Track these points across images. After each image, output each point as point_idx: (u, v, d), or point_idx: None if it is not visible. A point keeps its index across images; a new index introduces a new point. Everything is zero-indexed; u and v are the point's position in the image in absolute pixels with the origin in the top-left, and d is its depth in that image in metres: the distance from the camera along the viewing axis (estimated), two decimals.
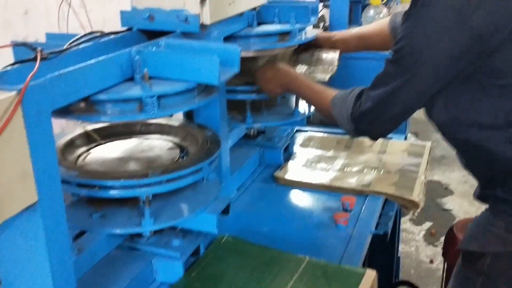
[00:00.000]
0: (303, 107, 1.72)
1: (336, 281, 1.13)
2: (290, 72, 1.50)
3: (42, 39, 1.25)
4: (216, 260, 1.22)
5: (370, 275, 1.13)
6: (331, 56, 1.69)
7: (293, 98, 1.69)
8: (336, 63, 1.66)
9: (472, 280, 1.22)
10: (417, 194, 1.54)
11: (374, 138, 1.35)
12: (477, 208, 1.33)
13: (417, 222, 3.20)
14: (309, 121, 2.49)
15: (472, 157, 1.24)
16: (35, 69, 0.81)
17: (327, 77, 1.60)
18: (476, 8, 1.05)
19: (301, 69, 1.66)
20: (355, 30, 1.71)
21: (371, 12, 2.86)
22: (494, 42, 1.06)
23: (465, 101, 1.15)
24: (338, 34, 1.70)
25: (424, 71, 1.12)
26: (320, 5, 3.00)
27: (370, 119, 1.23)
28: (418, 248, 2.97)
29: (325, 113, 1.38)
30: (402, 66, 1.14)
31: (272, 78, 1.50)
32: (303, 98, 1.50)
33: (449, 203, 3.42)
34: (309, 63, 1.69)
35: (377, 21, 1.86)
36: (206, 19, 1.20)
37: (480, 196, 1.29)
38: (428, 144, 1.85)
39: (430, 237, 3.07)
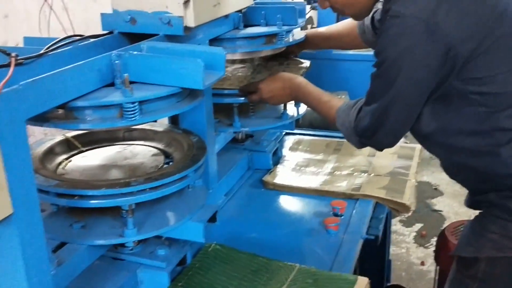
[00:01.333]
0: (292, 110, 1.69)
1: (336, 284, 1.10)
2: (297, 79, 1.47)
3: (22, 43, 1.21)
4: (203, 270, 1.18)
5: (362, 282, 1.11)
6: (300, 65, 1.68)
7: None
8: (303, 72, 1.64)
9: (467, 286, 1.20)
10: (408, 197, 1.52)
11: (380, 149, 1.34)
12: (468, 209, 1.31)
13: (407, 223, 3.19)
14: (298, 124, 2.47)
15: (462, 164, 1.22)
16: (8, 75, 0.77)
17: None
18: (444, 17, 1.05)
19: (268, 74, 1.62)
20: (322, 30, 1.72)
21: None
22: (467, 50, 1.06)
23: (451, 110, 1.14)
24: (307, 33, 1.69)
25: (406, 84, 1.12)
26: (308, 7, 2.98)
27: (371, 133, 1.23)
28: (408, 250, 2.96)
29: (331, 122, 1.38)
30: (385, 80, 1.14)
31: (280, 88, 1.47)
32: (310, 107, 1.48)
33: (439, 204, 3.41)
34: (276, 70, 1.68)
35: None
36: (190, 22, 1.17)
37: (472, 204, 1.27)
38: (418, 146, 1.84)
39: (420, 238, 3.05)
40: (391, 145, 1.28)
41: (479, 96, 1.10)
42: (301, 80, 1.47)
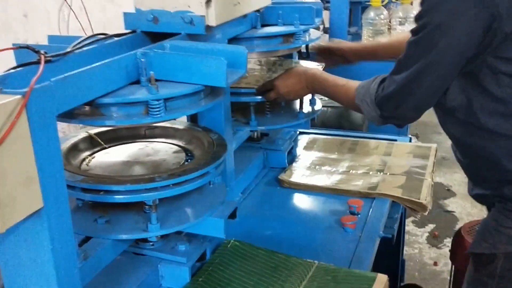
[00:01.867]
0: (307, 108, 1.70)
1: (347, 286, 1.11)
2: (312, 70, 1.47)
3: (42, 42, 1.23)
4: (223, 265, 1.20)
5: (382, 279, 1.11)
6: (315, 65, 1.69)
7: (297, 100, 1.68)
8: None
9: (486, 284, 1.19)
10: (425, 196, 1.52)
11: (400, 124, 1.29)
12: (480, 210, 1.31)
13: (420, 224, 3.19)
14: (313, 123, 2.48)
15: (477, 147, 1.19)
16: (39, 72, 0.79)
17: None
18: None
19: None
20: (368, 43, 1.71)
21: (371, 13, 2.85)
22: (509, 26, 1.02)
23: (479, 87, 1.11)
24: (347, 45, 1.68)
25: (446, 51, 1.06)
26: None
27: (395, 104, 1.18)
28: (421, 250, 2.95)
29: (351, 104, 1.34)
30: (424, 45, 1.09)
31: (296, 82, 1.47)
32: (329, 95, 1.46)
33: (451, 204, 3.40)
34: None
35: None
36: (212, 21, 1.18)
37: (479, 196, 1.25)
38: (434, 145, 1.84)
39: (433, 239, 3.05)
40: (414, 119, 1.23)
41: (509, 78, 1.08)
42: (315, 70, 1.48)
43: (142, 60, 0.99)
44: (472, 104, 1.14)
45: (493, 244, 1.18)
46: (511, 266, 1.16)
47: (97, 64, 0.91)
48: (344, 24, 2.83)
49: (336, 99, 1.44)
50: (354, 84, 1.33)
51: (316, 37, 1.64)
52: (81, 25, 2.00)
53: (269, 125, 1.64)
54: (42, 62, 0.87)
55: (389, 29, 2.92)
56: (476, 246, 1.23)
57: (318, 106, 1.73)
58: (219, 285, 1.14)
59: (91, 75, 0.89)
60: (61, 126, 1.95)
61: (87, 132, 1.23)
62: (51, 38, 1.21)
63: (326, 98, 2.62)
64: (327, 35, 2.90)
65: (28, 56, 0.95)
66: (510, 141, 1.13)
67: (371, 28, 2.86)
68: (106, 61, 0.93)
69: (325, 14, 2.91)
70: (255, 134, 1.80)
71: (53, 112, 0.80)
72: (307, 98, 1.72)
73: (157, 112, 0.95)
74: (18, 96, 0.72)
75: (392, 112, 1.21)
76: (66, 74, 0.83)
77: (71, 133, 1.27)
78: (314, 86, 1.47)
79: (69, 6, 1.96)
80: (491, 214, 1.22)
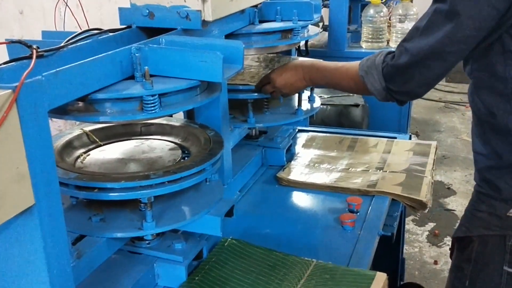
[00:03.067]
0: (306, 106, 1.68)
1: (346, 284, 1.09)
2: (309, 61, 1.44)
3: (38, 39, 1.22)
4: (220, 264, 1.18)
5: (381, 277, 1.10)
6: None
7: (296, 97, 1.66)
8: None
9: (462, 269, 1.20)
10: (425, 194, 1.50)
11: (403, 101, 1.21)
12: None
13: (420, 223, 3.17)
14: (312, 121, 2.46)
15: (494, 118, 1.13)
16: (30, 66, 0.78)
17: None
18: None
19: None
20: None
21: (371, 11, 2.84)
22: None
23: (485, 64, 1.09)
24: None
25: (469, 22, 1.00)
26: None
27: (406, 77, 1.10)
28: (421, 249, 2.93)
29: (353, 83, 1.25)
30: (446, 14, 1.02)
31: (292, 74, 1.42)
32: (328, 81, 1.38)
33: (451, 203, 3.38)
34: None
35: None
36: (208, 16, 1.17)
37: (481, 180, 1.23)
38: (434, 143, 1.82)
39: (433, 238, 3.03)
40: (421, 95, 1.16)
41: None
42: (312, 60, 1.45)
43: (137, 55, 0.97)
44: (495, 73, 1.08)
45: (468, 228, 1.19)
46: (484, 249, 1.16)
47: (90, 59, 0.89)
48: (344, 21, 2.81)
49: (336, 82, 1.35)
50: (355, 63, 1.27)
51: (314, 33, 1.62)
52: (77, 22, 1.98)
53: (267, 123, 1.63)
54: (34, 56, 0.85)
55: (389, 26, 2.91)
56: (456, 230, 1.24)
57: (317, 103, 1.72)
58: (216, 284, 1.12)
59: (84, 70, 0.87)
60: (58, 124, 1.93)
61: (82, 129, 1.22)
62: (45, 33, 1.20)
63: (326, 96, 2.63)
64: (326, 33, 2.88)
65: (22, 52, 0.93)
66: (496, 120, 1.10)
67: (370, 25, 2.85)
68: (99, 56, 0.91)
69: (325, 12, 2.90)
70: (253, 131, 1.78)
71: (45, 107, 0.78)
72: (305, 95, 1.71)
73: (152, 108, 0.94)
74: (8, 91, 0.71)
75: (400, 86, 1.14)
76: (58, 69, 0.81)
77: (66, 130, 1.26)
78: (311, 76, 1.41)
79: (66, 3, 1.94)
80: (471, 199, 1.24)
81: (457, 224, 1.29)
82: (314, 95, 1.73)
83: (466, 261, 1.20)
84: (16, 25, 1.88)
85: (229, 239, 1.26)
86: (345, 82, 1.32)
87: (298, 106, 1.63)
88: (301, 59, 1.50)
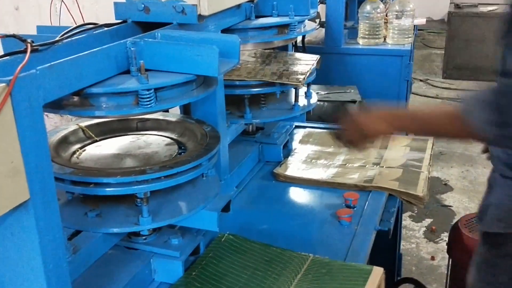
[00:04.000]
0: (303, 102, 1.68)
1: (342, 279, 1.09)
2: (391, 108, 1.24)
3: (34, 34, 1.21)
4: (217, 259, 1.18)
5: (378, 272, 1.10)
6: (310, 57, 1.66)
7: (293, 92, 1.66)
8: (313, 63, 1.62)
9: (500, 266, 1.14)
10: (422, 189, 1.50)
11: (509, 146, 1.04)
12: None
13: (417, 219, 3.18)
14: (308, 117, 2.46)
15: None
16: (25, 60, 0.77)
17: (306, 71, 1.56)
18: None
19: (277, 66, 1.62)
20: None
21: (368, 7, 2.83)
22: None
23: None
24: None
25: None
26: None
27: None
28: (418, 245, 2.94)
29: (453, 128, 1.04)
30: None
31: (374, 122, 1.19)
32: (419, 128, 1.19)
33: (448, 199, 3.39)
34: (285, 62, 1.66)
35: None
36: (204, 10, 1.16)
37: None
38: (431, 139, 1.82)
39: (430, 233, 3.04)
40: None
41: None
42: (389, 106, 1.24)
43: (132, 49, 0.97)
44: None
45: (508, 224, 1.11)
46: None
47: (85, 52, 0.88)
48: (341, 18, 2.81)
49: (430, 128, 1.15)
50: (450, 105, 1.12)
51: (311, 28, 1.62)
52: (73, 18, 1.97)
53: (264, 118, 1.63)
54: (28, 50, 0.85)
55: (385, 23, 2.91)
56: (491, 225, 1.15)
57: (314, 99, 1.72)
58: (212, 279, 1.12)
59: (79, 64, 0.87)
60: (54, 121, 1.92)
61: (78, 124, 1.21)
62: (40, 28, 1.19)
63: (323, 92, 2.62)
64: (323, 29, 2.88)
65: (16, 47, 0.93)
66: None
67: (367, 22, 2.84)
68: (94, 50, 0.91)
69: (321, 8, 2.90)
70: (250, 128, 1.78)
71: (40, 102, 0.77)
72: (302, 91, 1.71)
73: (148, 102, 0.93)
74: (2, 84, 0.70)
75: None
76: (52, 63, 0.81)
77: (61, 126, 1.25)
78: (403, 124, 1.21)
79: None
80: (506, 192, 1.14)
81: (488, 219, 1.16)
82: (311, 90, 1.73)
83: (501, 256, 1.13)
84: (11, 21, 1.87)
85: (226, 235, 1.26)
86: (442, 126, 1.08)
87: (295, 102, 1.62)
88: (384, 105, 1.26)
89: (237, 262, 1.17)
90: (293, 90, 1.62)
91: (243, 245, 1.23)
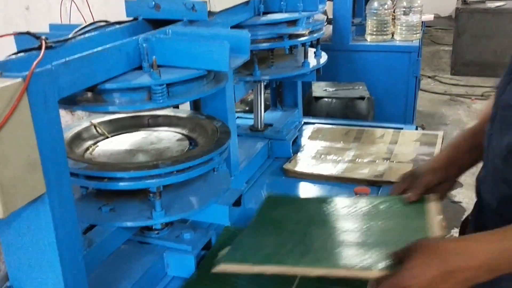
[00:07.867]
0: (313, 61, 1.66)
1: (406, 207, 1.12)
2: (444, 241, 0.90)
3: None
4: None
5: (432, 199, 1.14)
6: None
7: (302, 50, 1.64)
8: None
9: None
10: None
11: None
12: None
13: None
14: (317, 113, 2.46)
15: None
16: (40, 55, 0.79)
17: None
18: None
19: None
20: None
21: (375, 4, 2.83)
22: None
23: None
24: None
25: None
26: None
27: None
28: None
29: None
30: None
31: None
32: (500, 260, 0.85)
33: (458, 195, 3.37)
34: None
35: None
36: (214, 7, 1.17)
37: None
38: (441, 133, 1.82)
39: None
40: None
41: None
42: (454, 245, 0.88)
43: (144, 45, 0.98)
44: None
45: None
46: None
47: (99, 48, 0.90)
48: (348, 15, 2.81)
49: None
50: None
51: (319, 22, 1.62)
52: (83, 17, 1.99)
53: (274, 75, 1.61)
54: (43, 46, 0.86)
55: (393, 19, 2.90)
56: None
57: (324, 58, 1.70)
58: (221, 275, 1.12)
59: (93, 59, 0.88)
60: (65, 119, 1.94)
61: (90, 121, 1.23)
62: (52, 26, 1.20)
63: (331, 89, 2.62)
64: (330, 26, 2.88)
65: (29, 45, 0.94)
66: None
67: (375, 18, 2.84)
68: (107, 46, 0.92)
69: (329, 5, 2.90)
70: (259, 124, 1.79)
71: (55, 97, 0.79)
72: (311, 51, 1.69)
73: (160, 98, 0.94)
74: (19, 80, 0.72)
75: None
76: (67, 59, 0.82)
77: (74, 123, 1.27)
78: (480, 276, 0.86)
79: None
80: None
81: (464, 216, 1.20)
82: (320, 50, 1.71)
83: None
84: (22, 21, 1.89)
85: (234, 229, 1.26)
86: None
87: (304, 58, 1.61)
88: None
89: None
90: (303, 49, 1.61)
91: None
